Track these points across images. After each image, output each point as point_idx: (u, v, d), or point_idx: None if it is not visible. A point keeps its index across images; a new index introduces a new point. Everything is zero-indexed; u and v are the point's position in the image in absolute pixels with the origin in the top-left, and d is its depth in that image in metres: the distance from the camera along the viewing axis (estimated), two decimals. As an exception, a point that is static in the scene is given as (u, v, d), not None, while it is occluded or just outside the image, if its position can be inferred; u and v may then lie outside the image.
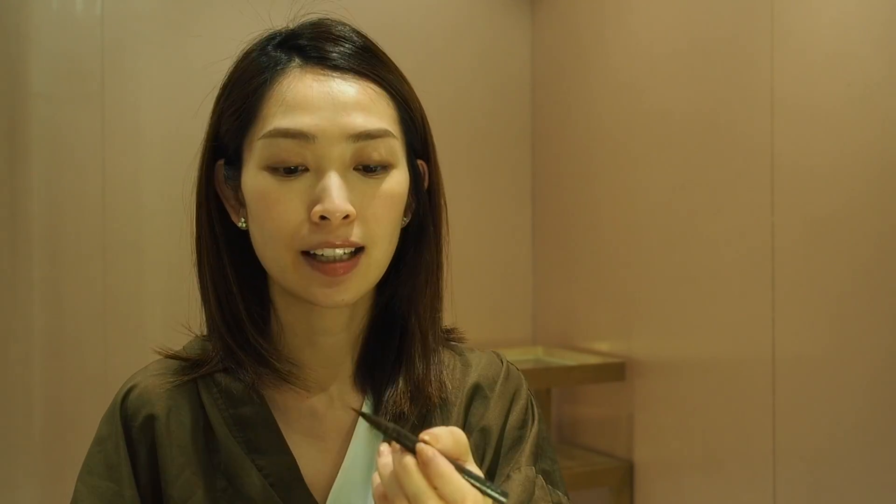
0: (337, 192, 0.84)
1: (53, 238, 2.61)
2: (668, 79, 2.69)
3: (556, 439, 3.16)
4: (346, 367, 0.95)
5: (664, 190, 2.70)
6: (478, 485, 0.69)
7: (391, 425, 0.71)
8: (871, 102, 2.09)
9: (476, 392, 0.98)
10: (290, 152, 0.85)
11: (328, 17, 0.91)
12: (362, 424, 0.93)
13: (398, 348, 0.94)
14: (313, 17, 0.91)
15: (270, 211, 0.85)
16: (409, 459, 0.69)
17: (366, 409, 0.94)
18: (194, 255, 0.93)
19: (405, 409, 0.91)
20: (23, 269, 2.58)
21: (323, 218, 0.84)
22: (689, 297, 2.62)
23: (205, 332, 0.95)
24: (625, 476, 2.82)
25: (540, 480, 0.96)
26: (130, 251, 2.66)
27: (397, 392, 0.92)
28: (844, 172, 2.14)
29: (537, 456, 0.97)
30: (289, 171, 0.85)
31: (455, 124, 3.16)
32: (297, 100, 0.86)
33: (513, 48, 3.30)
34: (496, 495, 0.69)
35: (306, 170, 0.85)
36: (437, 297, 0.97)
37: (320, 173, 0.85)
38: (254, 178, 0.87)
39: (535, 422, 0.99)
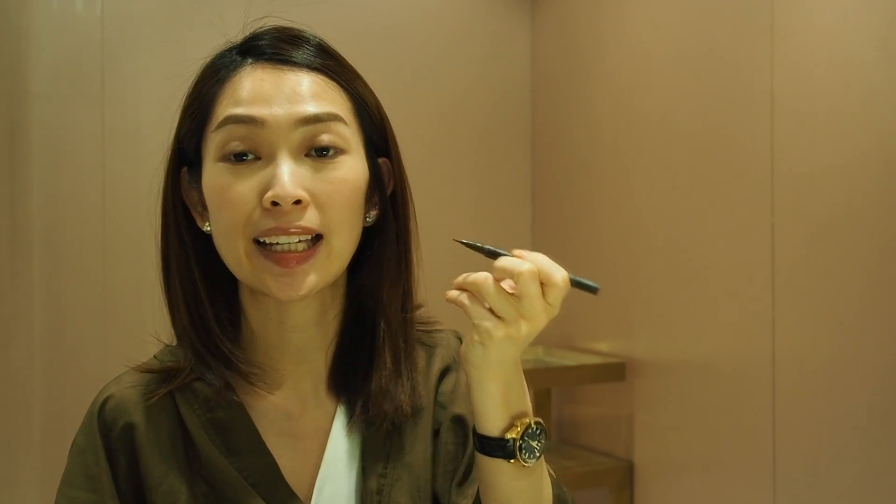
0: (287, 176, 0.84)
1: (53, 238, 2.61)
2: (667, 81, 2.69)
3: (556, 439, 3.16)
4: (321, 365, 0.95)
5: (664, 190, 2.70)
6: (574, 278, 0.82)
7: (486, 246, 0.84)
8: (870, 104, 2.09)
9: (444, 373, 0.99)
10: (241, 138, 0.86)
11: (293, 24, 0.93)
12: (338, 422, 0.93)
13: (369, 351, 0.94)
14: (278, 22, 0.93)
15: (223, 200, 0.86)
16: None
17: (340, 412, 0.94)
18: (159, 264, 0.94)
19: (377, 418, 0.92)
20: (23, 269, 2.58)
21: (274, 204, 0.84)
22: (689, 297, 2.62)
23: (174, 343, 0.95)
24: (625, 476, 2.82)
25: None
26: (130, 251, 2.66)
27: (369, 399, 0.92)
28: (844, 174, 2.14)
29: None
30: (239, 157, 0.86)
31: (456, 125, 3.16)
32: (248, 91, 0.87)
33: (513, 50, 3.30)
34: (589, 284, 0.82)
35: (258, 158, 0.86)
36: (407, 298, 0.96)
37: (271, 160, 0.86)
38: (209, 172, 0.88)
39: None
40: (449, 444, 0.96)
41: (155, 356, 0.96)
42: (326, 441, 0.93)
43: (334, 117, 0.88)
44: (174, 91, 0.96)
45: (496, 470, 0.86)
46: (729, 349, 2.48)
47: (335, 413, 0.94)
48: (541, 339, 3.22)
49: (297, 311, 0.91)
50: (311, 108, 0.87)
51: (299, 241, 0.85)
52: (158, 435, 0.89)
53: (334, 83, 0.90)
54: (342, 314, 0.95)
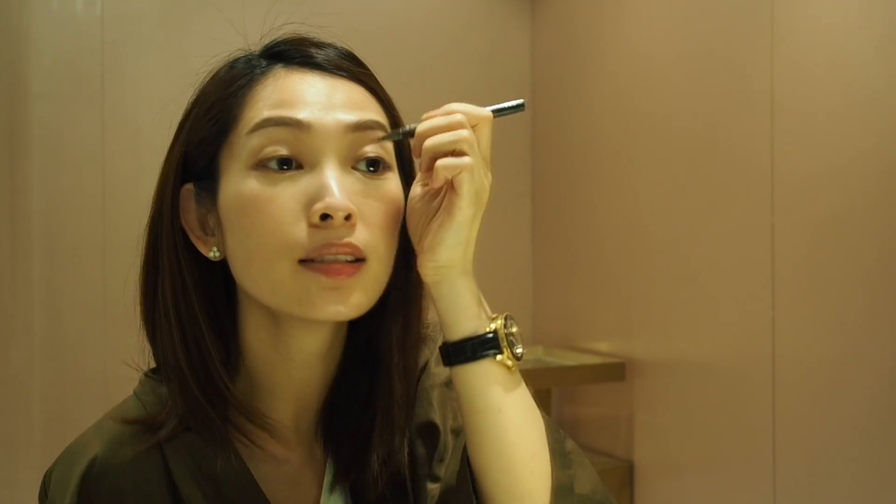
0: (339, 187, 0.75)
1: (53, 238, 2.61)
2: (667, 80, 2.69)
3: (556, 439, 3.16)
4: (316, 407, 0.87)
5: (664, 190, 2.70)
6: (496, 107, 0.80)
7: (400, 130, 0.80)
8: (870, 104, 2.09)
9: (419, 374, 0.93)
10: (283, 142, 0.76)
11: (307, 33, 0.85)
12: (331, 469, 0.86)
13: (369, 404, 0.86)
14: (292, 28, 0.85)
15: (261, 214, 0.76)
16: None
17: (329, 469, 0.86)
18: (141, 295, 0.84)
19: (376, 482, 0.85)
20: (23, 269, 2.58)
21: (324, 217, 0.74)
22: (688, 297, 2.62)
23: (151, 366, 0.86)
24: (625, 476, 2.82)
25: None
26: (130, 251, 2.65)
27: (366, 466, 0.85)
28: (844, 174, 2.14)
29: None
30: (282, 164, 0.76)
31: (455, 124, 3.16)
32: (287, 94, 0.78)
33: (513, 49, 3.30)
34: (512, 105, 0.83)
35: (300, 167, 0.77)
36: (419, 339, 0.89)
37: (317, 170, 0.77)
38: (238, 183, 0.77)
39: None
40: (420, 449, 0.90)
41: (135, 393, 0.87)
42: (322, 485, 0.86)
43: (380, 126, 0.80)
44: (175, 92, 0.90)
45: (482, 380, 0.79)
46: (729, 349, 2.48)
47: (328, 457, 0.87)
48: (541, 339, 3.22)
49: (315, 339, 0.82)
50: (358, 115, 0.79)
51: (346, 261, 0.76)
52: (148, 496, 0.80)
53: (371, 94, 0.82)
54: (342, 353, 0.87)
